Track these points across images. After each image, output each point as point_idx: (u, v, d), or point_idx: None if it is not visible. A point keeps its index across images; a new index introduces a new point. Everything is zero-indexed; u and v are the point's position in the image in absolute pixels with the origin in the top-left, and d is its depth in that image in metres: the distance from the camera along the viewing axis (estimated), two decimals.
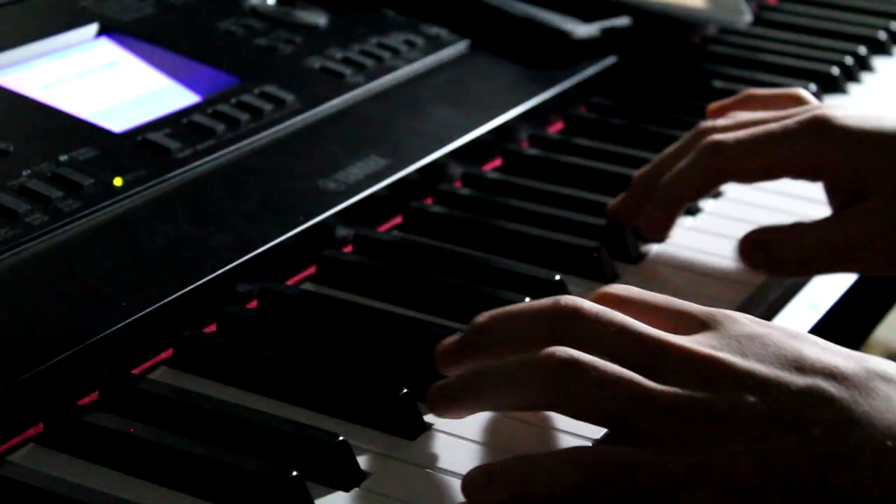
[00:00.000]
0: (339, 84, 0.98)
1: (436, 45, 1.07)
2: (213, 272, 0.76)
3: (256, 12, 1.06)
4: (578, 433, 0.68)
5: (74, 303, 0.72)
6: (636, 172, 0.89)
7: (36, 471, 0.64)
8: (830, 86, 1.17)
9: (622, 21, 1.13)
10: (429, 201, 0.93)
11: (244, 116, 0.91)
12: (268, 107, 0.92)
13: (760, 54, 1.23)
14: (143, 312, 0.72)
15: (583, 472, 0.60)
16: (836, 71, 1.19)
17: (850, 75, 1.21)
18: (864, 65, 1.23)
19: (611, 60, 1.12)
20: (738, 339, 0.62)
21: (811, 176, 0.85)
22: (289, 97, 0.94)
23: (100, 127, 0.86)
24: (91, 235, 0.77)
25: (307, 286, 0.83)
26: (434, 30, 1.09)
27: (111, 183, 0.81)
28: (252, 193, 0.85)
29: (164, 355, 0.74)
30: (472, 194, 0.94)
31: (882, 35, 1.29)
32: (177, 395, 0.70)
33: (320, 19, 1.07)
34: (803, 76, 1.17)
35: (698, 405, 0.60)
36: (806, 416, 0.59)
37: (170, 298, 0.73)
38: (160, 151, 0.85)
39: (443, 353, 0.68)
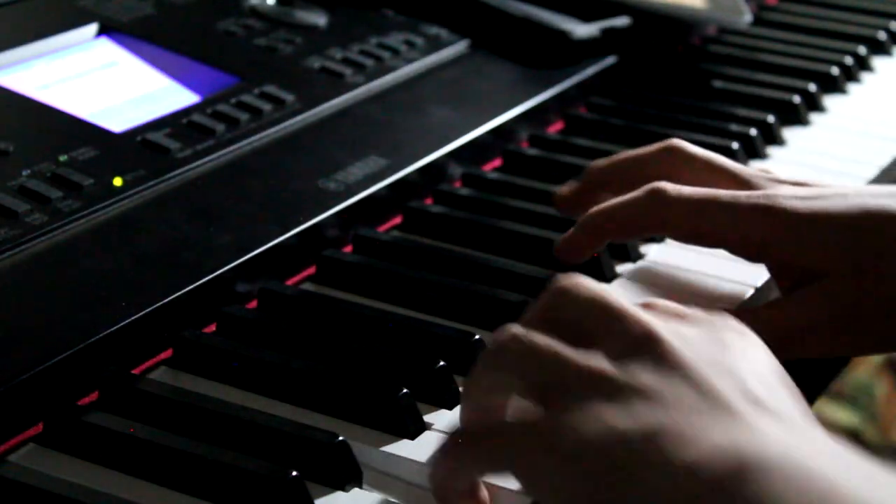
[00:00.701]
0: (339, 84, 0.98)
1: (436, 45, 1.07)
2: (213, 272, 0.76)
3: (256, 12, 1.06)
4: None
5: (74, 303, 0.72)
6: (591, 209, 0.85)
7: (36, 471, 0.64)
8: (830, 86, 1.17)
9: (622, 21, 1.13)
10: (428, 201, 0.93)
11: (244, 116, 0.91)
12: (268, 107, 0.92)
13: (760, 54, 1.23)
14: (143, 312, 0.72)
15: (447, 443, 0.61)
16: (835, 71, 1.18)
17: (850, 75, 1.21)
18: (864, 65, 1.23)
19: (611, 60, 1.12)
20: (703, 332, 0.61)
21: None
22: (289, 97, 0.94)
23: (99, 127, 0.86)
24: (91, 235, 0.77)
25: (307, 286, 0.83)
26: (434, 30, 1.09)
27: (111, 183, 0.81)
28: (252, 193, 0.85)
29: (164, 355, 0.74)
30: (471, 194, 0.94)
31: (882, 35, 1.28)
32: (177, 395, 0.70)
33: (320, 19, 1.07)
34: (803, 76, 1.17)
35: (591, 374, 0.58)
36: (661, 401, 0.57)
37: (170, 298, 0.73)
38: (160, 151, 0.85)
39: None
